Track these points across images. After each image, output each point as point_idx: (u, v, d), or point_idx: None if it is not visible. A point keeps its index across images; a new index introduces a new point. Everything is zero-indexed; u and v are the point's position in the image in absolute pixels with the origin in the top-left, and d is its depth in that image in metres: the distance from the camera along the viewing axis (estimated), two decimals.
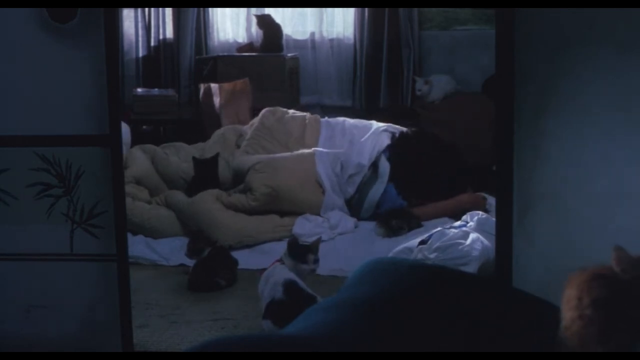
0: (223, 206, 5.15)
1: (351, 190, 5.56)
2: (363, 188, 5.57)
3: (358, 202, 5.52)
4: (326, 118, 6.17)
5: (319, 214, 5.28)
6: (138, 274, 4.36)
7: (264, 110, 6.09)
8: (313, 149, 5.67)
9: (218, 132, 6.17)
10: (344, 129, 5.93)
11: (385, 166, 5.59)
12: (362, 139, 5.75)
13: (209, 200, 5.14)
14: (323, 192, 5.38)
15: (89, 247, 3.19)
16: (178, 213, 5.19)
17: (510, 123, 2.79)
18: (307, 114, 6.18)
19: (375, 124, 5.94)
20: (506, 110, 2.80)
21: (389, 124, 5.96)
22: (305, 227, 5.08)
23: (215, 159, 5.55)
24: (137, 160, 5.66)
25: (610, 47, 2.70)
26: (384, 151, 5.66)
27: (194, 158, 5.60)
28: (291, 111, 6.17)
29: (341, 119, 6.12)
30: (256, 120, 6.05)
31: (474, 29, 7.12)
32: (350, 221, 5.27)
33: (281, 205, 5.23)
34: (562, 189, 2.79)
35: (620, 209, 2.74)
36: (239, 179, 5.40)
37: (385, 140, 5.72)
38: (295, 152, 5.65)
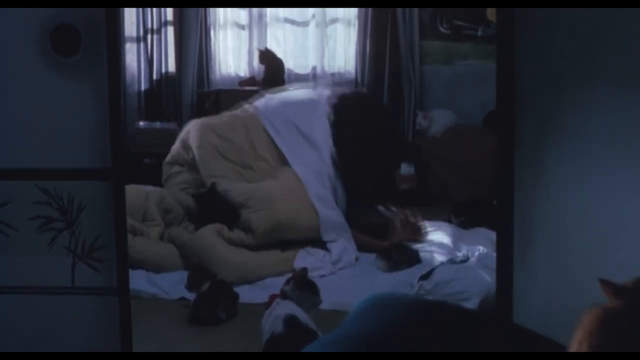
0: (224, 241, 5.14)
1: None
2: None
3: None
4: (255, 104, 6.17)
5: (319, 237, 5.28)
6: (138, 308, 4.35)
7: (190, 130, 5.97)
8: (293, 168, 5.68)
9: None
10: (285, 120, 5.96)
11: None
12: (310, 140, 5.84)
13: (210, 236, 5.14)
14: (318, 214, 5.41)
15: (90, 281, 3.18)
16: (180, 248, 5.19)
17: (511, 157, 2.79)
18: (237, 112, 6.16)
19: (308, 97, 6.11)
20: (506, 144, 2.81)
21: (322, 91, 6.13)
22: (306, 261, 5.07)
23: (213, 189, 5.53)
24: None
25: (610, 81, 2.70)
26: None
27: (193, 195, 5.60)
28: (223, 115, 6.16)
29: (271, 102, 6.16)
30: (198, 144, 5.89)
31: (474, 63, 7.15)
32: (352, 254, 5.27)
33: (282, 236, 5.23)
34: (563, 224, 2.79)
35: (621, 243, 2.73)
36: (228, 211, 5.38)
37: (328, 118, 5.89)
38: (281, 178, 5.62)
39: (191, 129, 5.93)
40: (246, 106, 6.19)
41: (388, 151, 6.15)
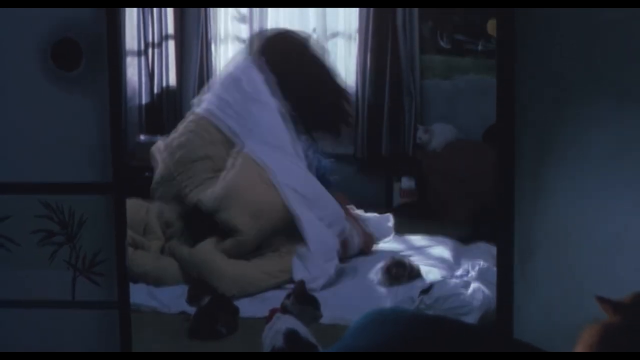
0: (223, 254, 5.13)
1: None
2: None
3: None
4: (198, 107, 6.02)
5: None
6: (138, 322, 4.34)
7: (154, 152, 5.93)
8: (244, 150, 5.60)
9: None
10: (233, 98, 5.82)
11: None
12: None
13: (209, 251, 5.13)
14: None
15: (91, 295, 3.18)
16: (180, 262, 5.18)
17: (511, 171, 2.79)
18: (185, 121, 6.04)
19: (239, 66, 6.01)
20: (507, 158, 2.81)
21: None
22: (301, 271, 5.05)
23: (196, 207, 5.49)
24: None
25: (610, 97, 2.71)
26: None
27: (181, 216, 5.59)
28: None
29: (208, 93, 6.04)
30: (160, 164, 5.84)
31: (475, 78, 7.16)
32: (331, 238, 5.29)
33: (267, 225, 5.21)
34: (563, 238, 2.79)
35: (621, 258, 2.74)
36: (213, 222, 5.36)
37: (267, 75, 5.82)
38: (236, 166, 5.53)
39: (157, 155, 5.91)
40: (190, 114, 6.12)
41: (330, 80, 6.18)
